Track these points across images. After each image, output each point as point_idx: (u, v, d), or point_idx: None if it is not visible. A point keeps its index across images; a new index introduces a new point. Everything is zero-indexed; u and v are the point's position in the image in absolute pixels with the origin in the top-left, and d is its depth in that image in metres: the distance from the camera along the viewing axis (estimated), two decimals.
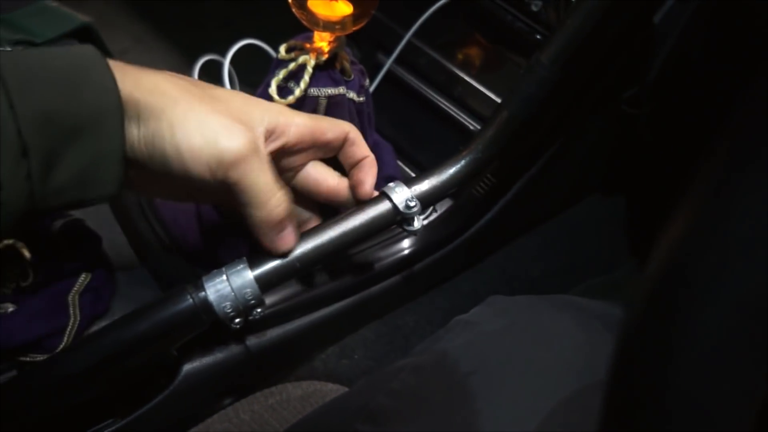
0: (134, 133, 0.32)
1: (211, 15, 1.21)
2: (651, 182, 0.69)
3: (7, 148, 0.28)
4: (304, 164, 0.40)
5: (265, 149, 0.35)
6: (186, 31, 1.16)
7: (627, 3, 0.41)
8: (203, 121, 0.32)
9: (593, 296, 0.73)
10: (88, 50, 0.31)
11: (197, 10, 1.22)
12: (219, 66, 0.65)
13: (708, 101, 0.53)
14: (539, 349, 0.36)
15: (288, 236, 0.37)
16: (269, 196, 0.35)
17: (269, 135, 0.36)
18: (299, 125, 0.37)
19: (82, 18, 0.71)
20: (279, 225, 0.36)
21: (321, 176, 0.41)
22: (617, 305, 0.41)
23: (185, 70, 1.15)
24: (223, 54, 0.67)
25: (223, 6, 1.23)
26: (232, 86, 0.67)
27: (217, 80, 0.65)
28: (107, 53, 0.76)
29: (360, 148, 0.40)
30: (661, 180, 0.68)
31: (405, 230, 0.41)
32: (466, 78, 0.57)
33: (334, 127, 0.38)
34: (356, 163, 0.40)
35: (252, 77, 0.68)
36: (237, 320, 0.38)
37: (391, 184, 0.41)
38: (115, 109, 0.31)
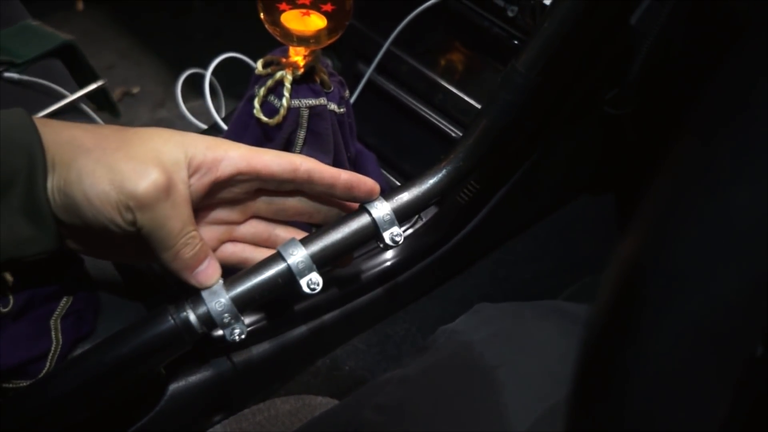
0: (50, 183, 0.33)
1: (197, 29, 1.21)
2: (638, 181, 0.69)
3: None
4: (252, 195, 0.41)
5: (187, 186, 0.36)
6: (172, 45, 1.16)
7: (601, 6, 0.41)
8: (112, 166, 0.34)
9: (587, 297, 0.73)
10: (16, 113, 0.33)
11: (183, 25, 1.22)
12: (203, 78, 0.65)
13: (689, 99, 0.53)
14: (524, 358, 0.36)
15: (203, 273, 0.38)
16: (177, 239, 0.36)
17: (195, 171, 0.36)
18: (233, 158, 0.37)
19: (63, 36, 0.71)
20: (190, 264, 0.37)
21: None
22: None
23: (171, 82, 1.16)
24: (207, 67, 0.67)
25: (208, 21, 1.24)
26: (216, 99, 0.67)
27: (202, 93, 0.65)
28: (90, 70, 0.76)
29: (320, 181, 0.39)
30: (648, 178, 0.68)
31: (385, 244, 0.41)
32: (447, 85, 0.57)
33: (279, 159, 0.38)
34: (327, 195, 0.41)
35: (237, 89, 0.68)
36: (236, 334, 0.38)
37: (372, 200, 0.41)
38: (41, 168, 0.32)
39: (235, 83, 0.69)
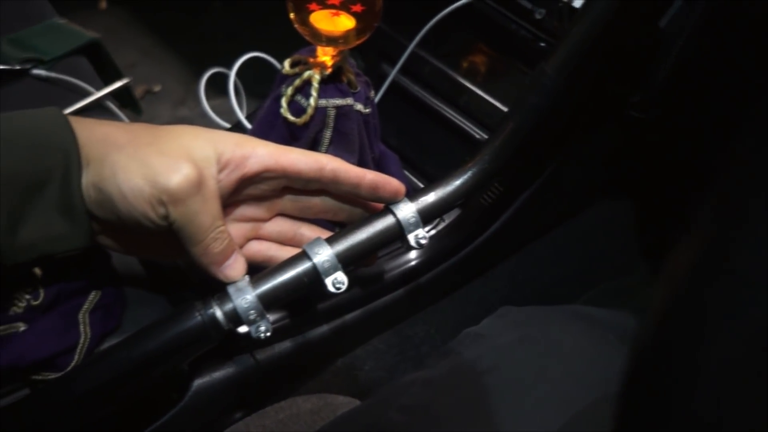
0: (85, 179, 0.34)
1: (216, 28, 1.22)
2: (661, 185, 0.69)
3: None
4: (278, 193, 0.41)
5: (216, 182, 0.36)
6: (192, 45, 1.17)
7: (632, 10, 0.41)
8: (145, 162, 0.34)
9: (606, 301, 0.73)
10: (51, 112, 0.34)
11: (203, 24, 1.23)
12: (225, 78, 0.66)
13: (717, 104, 0.52)
14: (551, 363, 0.36)
15: (229, 269, 0.38)
16: (206, 233, 0.36)
17: (224, 167, 0.37)
18: (261, 156, 0.37)
19: (89, 34, 0.72)
20: (218, 259, 0.37)
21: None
22: (631, 315, 0.40)
23: (192, 81, 1.17)
24: (229, 66, 0.67)
25: (228, 20, 1.25)
26: (239, 98, 0.67)
27: (225, 92, 0.65)
28: (114, 68, 0.77)
29: (346, 181, 0.40)
30: (671, 183, 0.67)
31: (410, 246, 0.41)
32: (471, 86, 0.57)
33: (305, 158, 0.39)
34: (353, 195, 0.41)
35: (258, 88, 0.69)
36: (261, 331, 0.38)
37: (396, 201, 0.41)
38: (76, 165, 0.33)
39: (256, 82, 0.70)
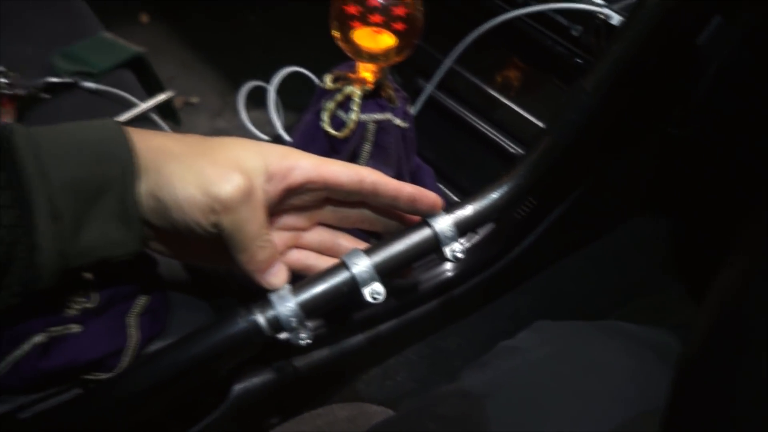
0: (142, 188, 0.35)
1: (252, 42, 1.26)
2: (697, 204, 0.68)
3: (40, 212, 0.32)
4: (319, 203, 0.42)
5: (264, 192, 0.37)
6: (229, 58, 1.20)
7: (670, 29, 0.41)
8: (200, 171, 0.35)
9: (641, 318, 0.72)
10: (110, 124, 0.36)
11: (239, 37, 1.27)
12: (261, 90, 0.68)
13: (755, 124, 0.52)
14: (589, 377, 0.36)
15: (273, 276, 0.39)
16: (254, 241, 0.37)
17: (271, 178, 0.38)
18: (305, 167, 0.39)
19: (134, 48, 0.75)
20: (263, 267, 0.39)
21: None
22: (669, 332, 0.40)
23: (229, 93, 1.20)
24: (265, 78, 0.69)
25: (264, 33, 1.28)
26: (276, 110, 0.69)
27: (261, 104, 0.67)
28: (156, 80, 0.80)
29: (385, 193, 0.41)
30: (707, 201, 0.67)
31: (446, 259, 0.42)
32: (506, 101, 0.57)
33: (347, 170, 0.40)
34: (391, 207, 0.42)
35: (293, 100, 0.71)
36: (302, 338, 0.39)
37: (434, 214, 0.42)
38: (131, 174, 0.35)
39: (291, 94, 0.71)
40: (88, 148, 0.34)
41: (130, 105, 0.68)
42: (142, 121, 0.68)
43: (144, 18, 1.27)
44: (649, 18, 0.39)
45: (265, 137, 0.70)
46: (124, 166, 0.35)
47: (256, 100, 0.73)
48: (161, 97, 0.69)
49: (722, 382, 0.15)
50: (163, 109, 0.72)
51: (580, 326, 0.40)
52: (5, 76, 0.66)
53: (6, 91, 0.65)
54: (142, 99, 0.69)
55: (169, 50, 1.20)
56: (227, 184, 0.35)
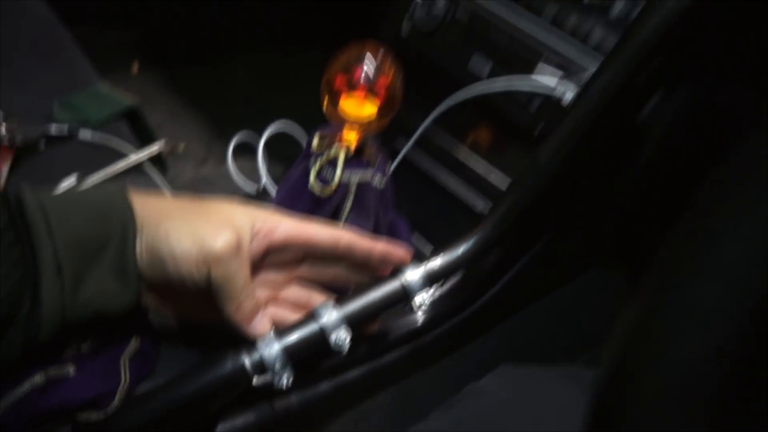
0: (140, 243, 0.39)
1: (238, 94, 1.32)
2: (646, 258, 0.74)
3: (45, 267, 0.35)
4: (298, 260, 0.46)
5: (249, 248, 0.41)
6: (215, 107, 1.26)
7: (613, 109, 0.47)
8: (194, 228, 0.39)
9: (599, 366, 0.76)
10: (114, 187, 0.40)
11: (225, 87, 1.33)
12: (249, 140, 0.72)
13: (690, 186, 0.59)
14: (546, 421, 0.40)
15: (258, 325, 0.43)
16: (240, 293, 0.41)
17: (255, 235, 0.42)
18: (286, 227, 0.43)
19: (129, 101, 0.80)
20: (249, 317, 0.42)
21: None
22: None
23: (213, 141, 1.24)
24: (249, 127, 0.74)
25: (250, 86, 1.34)
26: (263, 162, 0.73)
27: (246, 152, 0.71)
28: (148, 131, 0.84)
29: (360, 251, 0.45)
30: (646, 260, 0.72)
31: (414, 308, 0.46)
32: (475, 162, 0.63)
33: (324, 231, 0.44)
34: (365, 263, 0.46)
35: (277, 150, 0.75)
36: (283, 380, 0.42)
37: (404, 266, 0.46)
38: (132, 232, 0.38)
39: (276, 143, 0.76)
40: (92, 207, 0.38)
41: (123, 154, 0.71)
42: (135, 170, 0.72)
43: (135, 68, 1.32)
44: (592, 100, 0.45)
45: (250, 189, 0.74)
46: (125, 224, 0.38)
47: (241, 147, 0.78)
48: (153, 149, 0.73)
49: (618, 410, 0.19)
50: (152, 157, 0.76)
51: (540, 371, 0.44)
52: (3, 125, 0.69)
53: (5, 140, 0.68)
54: (136, 147, 0.73)
55: (157, 99, 1.25)
56: (219, 239, 0.39)
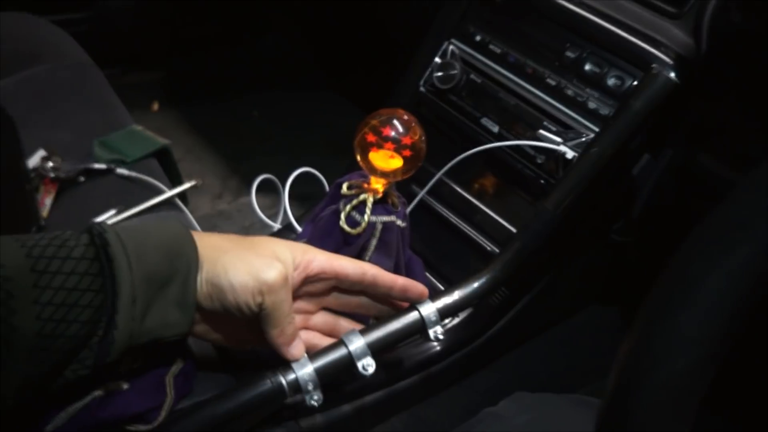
0: (201, 277, 0.44)
1: (252, 132, 1.39)
2: (638, 296, 0.80)
3: (124, 298, 0.40)
4: (327, 291, 0.51)
5: (293, 278, 0.46)
6: (230, 145, 1.33)
7: (611, 165, 0.54)
8: (248, 262, 0.45)
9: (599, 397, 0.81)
10: (178, 225, 0.45)
11: (240, 129, 1.40)
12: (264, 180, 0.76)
13: (682, 233, 0.65)
14: None
15: (295, 348, 0.48)
16: (285, 319, 0.46)
17: (296, 268, 0.47)
18: (321, 261, 0.48)
19: (161, 141, 0.86)
20: (289, 340, 0.47)
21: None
22: None
23: (228, 176, 1.29)
24: (264, 164, 0.79)
25: (262, 127, 1.42)
26: (278, 198, 0.77)
27: (260, 190, 0.76)
28: (176, 168, 0.90)
29: (382, 285, 0.50)
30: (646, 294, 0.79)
31: (429, 339, 0.51)
32: (484, 208, 0.70)
33: (352, 265, 0.49)
34: (386, 296, 0.51)
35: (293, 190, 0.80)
36: (314, 399, 0.47)
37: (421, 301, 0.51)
38: (195, 268, 0.43)
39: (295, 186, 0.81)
40: (163, 244, 0.43)
41: (155, 189, 0.77)
42: (168, 206, 0.77)
43: (155, 106, 1.39)
44: (593, 157, 0.52)
45: (274, 223, 0.80)
46: (190, 261, 0.43)
47: (258, 186, 0.82)
48: (187, 185, 0.79)
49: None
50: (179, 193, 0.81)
51: (553, 397, 0.49)
52: (49, 160, 0.75)
53: (50, 174, 0.74)
54: (165, 184, 0.79)
55: (176, 135, 1.31)
56: (273, 271, 0.45)
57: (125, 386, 0.48)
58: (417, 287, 0.52)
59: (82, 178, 0.76)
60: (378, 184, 0.56)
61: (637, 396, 0.23)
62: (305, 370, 0.48)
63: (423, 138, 0.53)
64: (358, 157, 0.54)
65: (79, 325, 0.38)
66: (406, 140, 0.53)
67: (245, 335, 0.49)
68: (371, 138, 0.53)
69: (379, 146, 0.53)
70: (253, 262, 0.45)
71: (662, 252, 0.72)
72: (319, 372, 0.48)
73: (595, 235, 0.66)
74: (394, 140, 0.52)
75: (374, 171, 0.54)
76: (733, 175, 0.53)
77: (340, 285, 0.51)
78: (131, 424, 0.48)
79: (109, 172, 0.77)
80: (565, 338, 0.81)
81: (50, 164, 0.74)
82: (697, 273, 0.24)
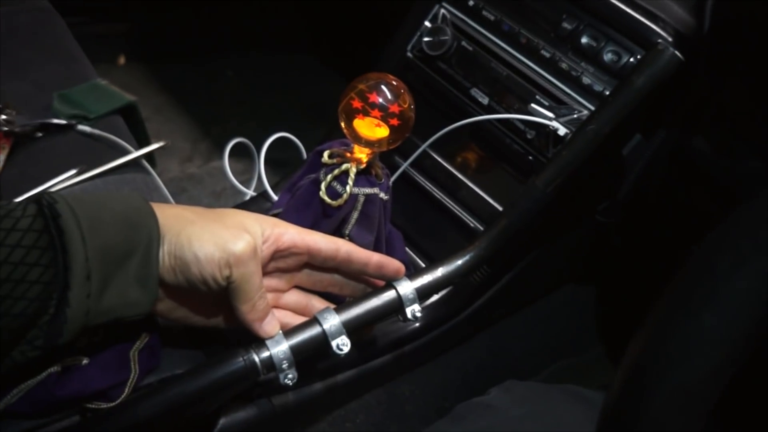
0: (163, 249, 0.41)
1: (225, 94, 1.33)
2: (618, 277, 0.80)
3: (77, 273, 0.37)
4: (298, 268, 0.49)
5: (262, 251, 0.44)
6: (201, 106, 1.26)
7: (604, 144, 0.52)
8: (214, 233, 0.42)
9: (564, 378, 0.82)
10: (136, 196, 0.42)
11: (213, 89, 1.33)
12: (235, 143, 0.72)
13: (667, 217, 0.65)
14: None
15: (269, 325, 0.45)
16: (255, 293, 0.44)
17: (265, 241, 0.45)
18: (291, 234, 0.46)
19: (128, 97, 0.81)
20: (261, 316, 0.45)
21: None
22: None
23: (198, 139, 1.24)
24: (238, 128, 0.75)
25: (236, 88, 1.35)
26: (251, 162, 0.73)
27: (234, 154, 0.72)
28: (143, 128, 0.84)
29: (357, 261, 0.48)
30: (626, 276, 0.79)
31: (407, 319, 0.49)
32: (469, 183, 0.67)
33: (325, 240, 0.47)
34: (360, 273, 0.49)
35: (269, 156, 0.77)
36: (289, 378, 0.44)
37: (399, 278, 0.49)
38: (156, 241, 0.40)
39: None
40: (120, 216, 0.39)
41: (120, 149, 0.72)
42: (133, 166, 0.72)
43: (121, 60, 1.31)
44: (589, 135, 0.50)
45: (248, 190, 0.76)
46: (150, 233, 0.40)
47: (231, 150, 0.78)
48: (155, 146, 0.74)
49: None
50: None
51: (546, 389, 0.48)
52: (3, 113, 0.69)
53: (3, 128, 0.68)
54: (131, 144, 0.74)
55: (144, 93, 1.24)
56: (240, 242, 0.42)
57: (85, 361, 0.45)
58: (393, 264, 0.49)
59: (39, 134, 0.71)
60: (362, 154, 0.53)
61: (650, 398, 0.22)
62: (280, 348, 0.45)
63: (412, 107, 0.50)
64: (342, 124, 0.51)
65: (27, 302, 0.35)
66: (394, 108, 0.49)
67: (212, 313, 0.47)
68: (357, 104, 0.49)
69: (365, 113, 0.50)
70: (219, 233, 0.42)
71: (645, 234, 0.72)
72: (294, 350, 0.46)
73: (581, 215, 0.64)
74: (382, 107, 0.49)
75: (359, 140, 0.51)
76: (727, 161, 0.52)
77: (313, 261, 0.48)
78: (92, 401, 0.45)
79: (69, 128, 0.72)
80: (539, 316, 0.80)
81: (3, 117, 0.69)
82: (725, 270, 0.22)
